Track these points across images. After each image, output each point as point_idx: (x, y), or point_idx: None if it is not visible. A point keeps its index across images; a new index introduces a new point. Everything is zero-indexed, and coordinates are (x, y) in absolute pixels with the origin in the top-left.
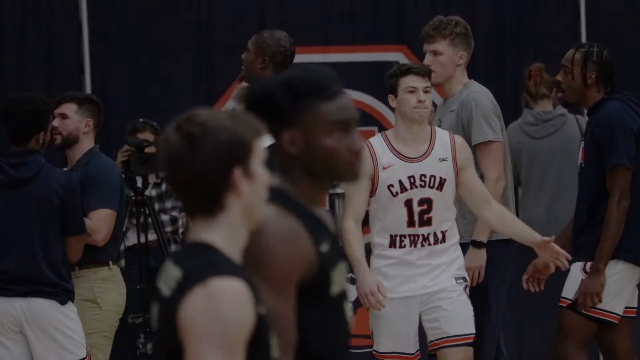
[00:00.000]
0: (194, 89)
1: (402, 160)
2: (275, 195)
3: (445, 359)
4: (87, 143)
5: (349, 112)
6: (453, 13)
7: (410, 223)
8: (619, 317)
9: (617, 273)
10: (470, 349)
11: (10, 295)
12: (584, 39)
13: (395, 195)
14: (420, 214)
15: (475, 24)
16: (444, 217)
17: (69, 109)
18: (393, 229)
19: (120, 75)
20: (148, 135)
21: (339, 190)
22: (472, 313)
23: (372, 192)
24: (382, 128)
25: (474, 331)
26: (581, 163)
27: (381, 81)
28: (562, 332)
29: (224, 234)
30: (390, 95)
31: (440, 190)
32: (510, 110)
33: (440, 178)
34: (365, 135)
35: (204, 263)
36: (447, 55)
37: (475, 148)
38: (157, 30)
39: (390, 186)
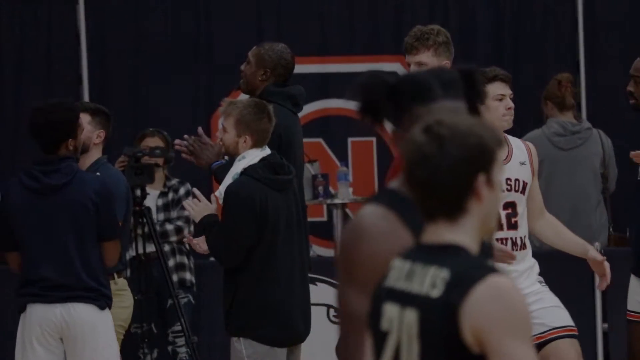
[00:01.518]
0: (193, 100)
1: None
2: (384, 194)
3: (559, 350)
4: (95, 154)
5: None
6: (452, 22)
7: (498, 226)
8: None
9: None
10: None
11: (49, 301)
12: (581, 41)
13: None
14: (507, 217)
15: (474, 29)
16: (526, 221)
17: (83, 118)
18: None
19: (118, 86)
20: (157, 142)
21: (337, 201)
22: None
23: None
24: (380, 139)
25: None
26: None
27: None
28: None
29: (469, 237)
30: None
31: (523, 194)
32: None
33: (523, 182)
34: (363, 146)
35: (474, 263)
36: (432, 65)
37: None
38: (155, 41)
39: None
